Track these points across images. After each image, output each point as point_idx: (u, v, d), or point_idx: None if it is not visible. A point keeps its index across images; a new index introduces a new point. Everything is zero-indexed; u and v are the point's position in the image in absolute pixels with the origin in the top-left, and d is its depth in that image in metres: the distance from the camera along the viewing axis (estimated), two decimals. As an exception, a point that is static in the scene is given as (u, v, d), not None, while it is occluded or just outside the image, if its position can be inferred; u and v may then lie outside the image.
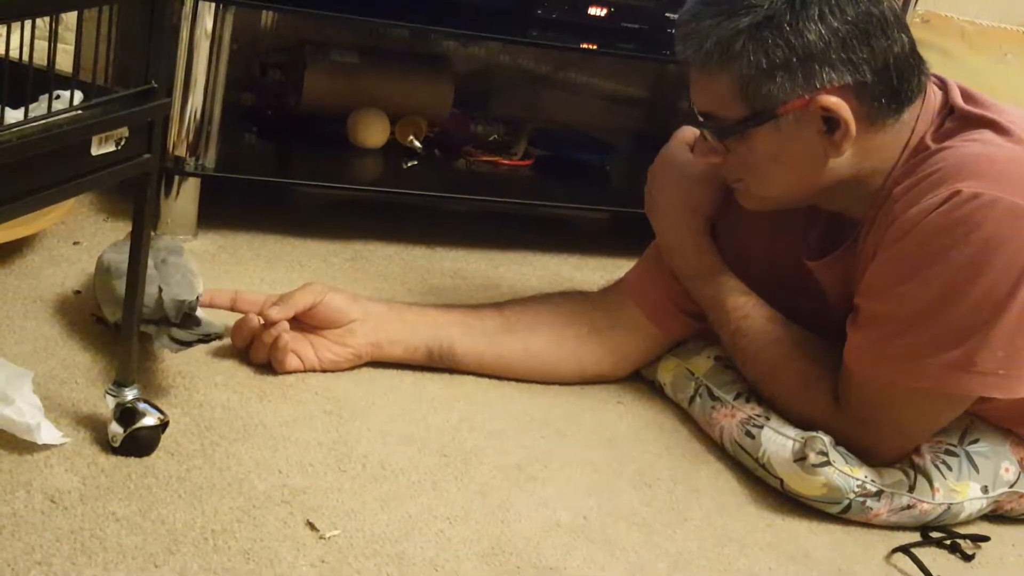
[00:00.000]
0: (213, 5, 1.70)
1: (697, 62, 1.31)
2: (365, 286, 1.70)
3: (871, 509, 1.33)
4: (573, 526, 1.24)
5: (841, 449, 1.33)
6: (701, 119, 1.35)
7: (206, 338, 1.32)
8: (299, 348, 1.43)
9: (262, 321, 1.41)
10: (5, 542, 1.04)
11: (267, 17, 2.14)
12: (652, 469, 1.38)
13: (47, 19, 1.02)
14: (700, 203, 1.47)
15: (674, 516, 1.30)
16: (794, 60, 1.26)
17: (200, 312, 1.34)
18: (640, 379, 1.57)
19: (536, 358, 1.51)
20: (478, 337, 1.49)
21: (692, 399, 1.49)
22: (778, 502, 1.36)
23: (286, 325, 1.41)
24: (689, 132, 1.48)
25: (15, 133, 0.96)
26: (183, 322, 1.31)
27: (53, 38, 1.03)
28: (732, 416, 1.41)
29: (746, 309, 1.43)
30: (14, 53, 1.03)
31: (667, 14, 1.98)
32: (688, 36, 1.31)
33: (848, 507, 1.33)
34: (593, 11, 1.98)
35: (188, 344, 1.30)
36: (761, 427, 1.38)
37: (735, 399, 1.43)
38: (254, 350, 1.42)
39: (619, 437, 1.44)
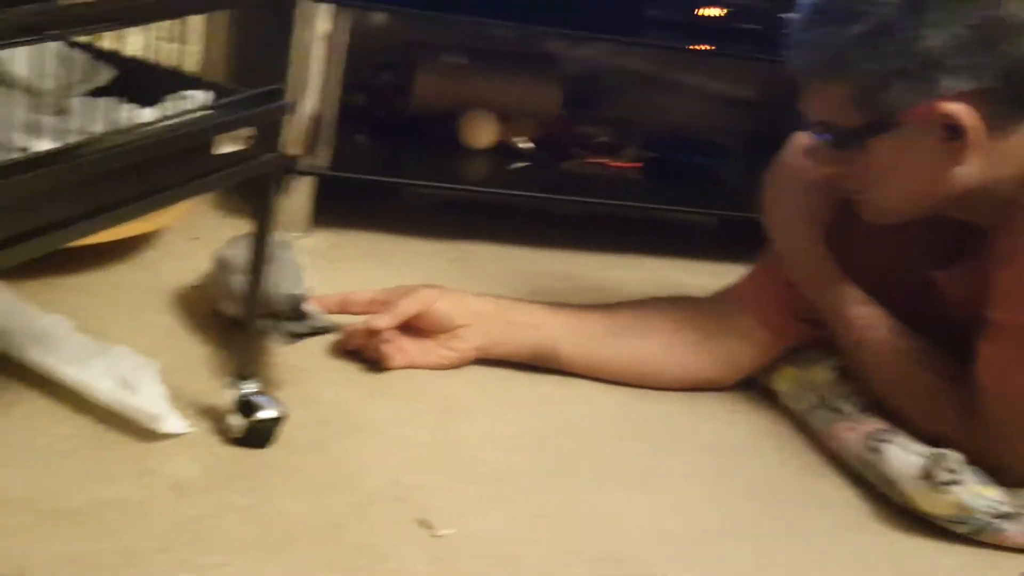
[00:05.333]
0: (330, 7, 1.72)
1: (810, 71, 1.29)
2: (471, 286, 1.69)
3: (1003, 531, 1.28)
4: (685, 536, 1.23)
5: (972, 467, 1.29)
6: (816, 129, 1.33)
7: (318, 330, 1.34)
8: (406, 348, 1.44)
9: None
10: (131, 526, 1.06)
11: (379, 19, 2.16)
12: (768, 480, 1.36)
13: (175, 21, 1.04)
14: (818, 211, 1.44)
15: (790, 529, 1.28)
16: (911, 67, 1.23)
17: (311, 306, 1.36)
18: (755, 387, 1.55)
19: (643, 364, 1.50)
20: (584, 340, 1.49)
21: (810, 410, 1.46)
22: (902, 520, 1.31)
23: (392, 335, 1.43)
24: (805, 138, 1.46)
25: (149, 132, 0.98)
26: (296, 315, 1.34)
27: (185, 41, 1.05)
28: (854, 429, 1.38)
29: (868, 319, 1.40)
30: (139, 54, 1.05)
31: (781, 15, 1.95)
32: (800, 45, 1.29)
33: (978, 528, 1.28)
34: (706, 11, 1.96)
35: (301, 337, 1.33)
36: (886, 442, 1.34)
37: (857, 412, 1.39)
38: (364, 351, 1.44)
39: (733, 446, 1.43)
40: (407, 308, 1.43)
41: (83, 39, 0.99)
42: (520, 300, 1.53)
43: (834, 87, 1.27)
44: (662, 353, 1.50)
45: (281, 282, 1.36)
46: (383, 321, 1.42)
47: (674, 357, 1.50)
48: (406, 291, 1.45)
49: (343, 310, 1.47)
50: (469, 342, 1.46)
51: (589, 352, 1.49)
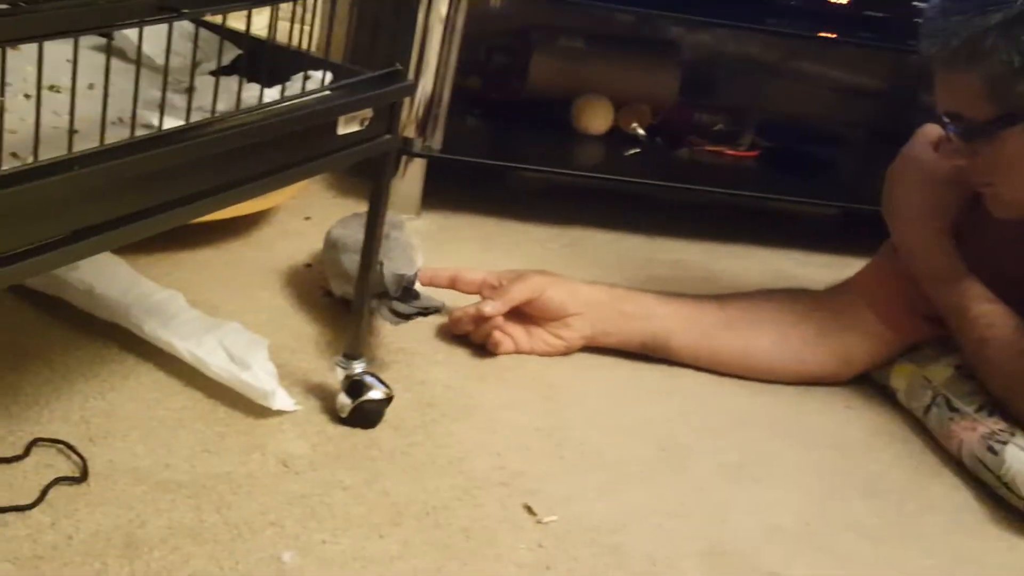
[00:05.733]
0: (448, -11, 1.72)
1: (943, 60, 1.25)
2: (581, 273, 1.69)
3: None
4: (795, 531, 1.21)
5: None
6: (947, 119, 1.29)
7: (425, 311, 1.34)
8: (514, 334, 1.44)
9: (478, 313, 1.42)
10: (242, 501, 1.07)
11: (496, 1, 2.16)
12: (882, 479, 1.33)
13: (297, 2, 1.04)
14: (944, 206, 1.40)
15: (905, 530, 1.25)
16: None
17: (420, 286, 1.36)
18: (869, 383, 1.51)
19: (755, 357, 1.48)
20: (696, 332, 1.47)
21: (928, 408, 1.42)
22: (1021, 523, 1.28)
23: (500, 322, 1.42)
24: (933, 130, 1.41)
25: (272, 111, 0.99)
26: (403, 295, 1.34)
27: (307, 22, 1.06)
28: (972, 429, 1.34)
29: (991, 318, 1.36)
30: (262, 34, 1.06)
31: (913, 2, 1.91)
32: (934, 33, 1.25)
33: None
34: (831, -2, 1.92)
35: (408, 317, 1.32)
36: (1005, 443, 1.30)
37: (976, 411, 1.36)
38: (472, 335, 1.44)
39: (846, 443, 1.40)
40: (517, 294, 1.43)
41: (210, 18, 1.00)
42: (632, 289, 1.51)
43: (967, 77, 1.24)
44: (776, 347, 1.48)
45: (392, 262, 1.36)
46: (492, 307, 1.41)
47: (788, 351, 1.48)
48: (517, 276, 1.45)
49: (452, 286, 1.48)
50: (578, 331, 1.45)
51: (701, 344, 1.47)
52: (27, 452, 1.08)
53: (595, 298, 1.46)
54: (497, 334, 1.42)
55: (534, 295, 1.43)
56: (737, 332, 1.47)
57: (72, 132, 0.81)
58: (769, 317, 1.48)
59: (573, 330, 1.45)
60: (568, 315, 1.44)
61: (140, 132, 0.87)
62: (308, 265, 1.58)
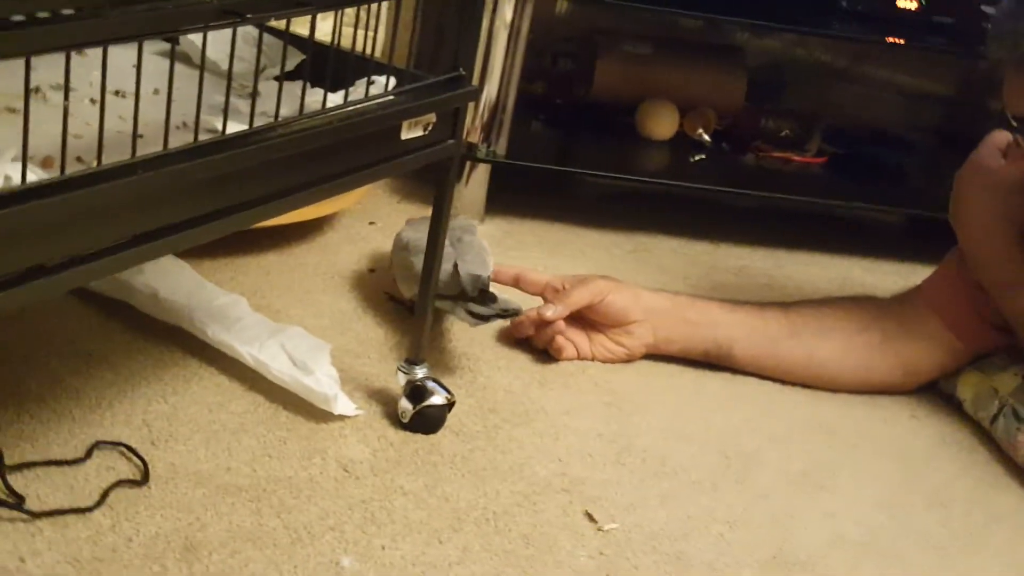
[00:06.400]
0: (513, -6, 1.72)
1: (1013, 63, 1.23)
2: (646, 278, 1.69)
3: None
4: (861, 541, 1.19)
5: None
6: (1015, 123, 1.27)
7: (504, 313, 1.34)
8: (576, 339, 1.43)
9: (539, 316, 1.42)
10: (302, 505, 1.08)
11: (561, 6, 2.15)
12: (947, 489, 1.31)
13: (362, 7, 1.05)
14: (1013, 213, 1.37)
15: (971, 541, 1.23)
16: None
17: (495, 288, 1.36)
18: (935, 392, 1.49)
19: (820, 366, 1.46)
20: (760, 341, 1.45)
21: (995, 418, 1.40)
22: (1088, 537, 1.26)
23: (562, 326, 1.42)
24: (1001, 137, 1.39)
25: (336, 116, 0.99)
26: (480, 297, 1.33)
27: (371, 27, 1.06)
28: (1040, 440, 1.33)
29: (1061, 328, 1.34)
30: (324, 39, 1.06)
31: (982, 7, 1.88)
32: (1004, 36, 1.23)
33: None
34: (902, 3, 1.90)
35: (486, 319, 1.32)
36: (1072, 454, 1.28)
37: (1044, 422, 1.34)
38: (534, 340, 1.44)
39: (912, 452, 1.37)
40: (578, 299, 1.42)
41: (274, 23, 1.00)
42: (696, 296, 1.50)
43: None
44: (841, 355, 1.46)
45: (467, 264, 1.36)
46: (553, 311, 1.41)
47: (854, 359, 1.46)
48: (580, 280, 1.44)
49: (516, 285, 1.48)
50: (641, 339, 1.44)
51: (765, 352, 1.45)
52: (89, 455, 1.09)
53: (658, 305, 1.45)
54: (560, 339, 1.42)
55: (595, 300, 1.43)
56: (801, 340, 1.46)
57: (136, 136, 0.81)
58: (834, 325, 1.46)
59: (635, 337, 1.44)
60: (630, 322, 1.43)
61: (203, 137, 0.88)
62: (372, 270, 1.58)
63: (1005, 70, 1.26)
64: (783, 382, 1.47)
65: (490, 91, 1.78)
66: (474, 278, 1.34)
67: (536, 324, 1.42)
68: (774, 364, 1.46)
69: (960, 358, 1.46)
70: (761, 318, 1.47)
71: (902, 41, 1.95)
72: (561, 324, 1.42)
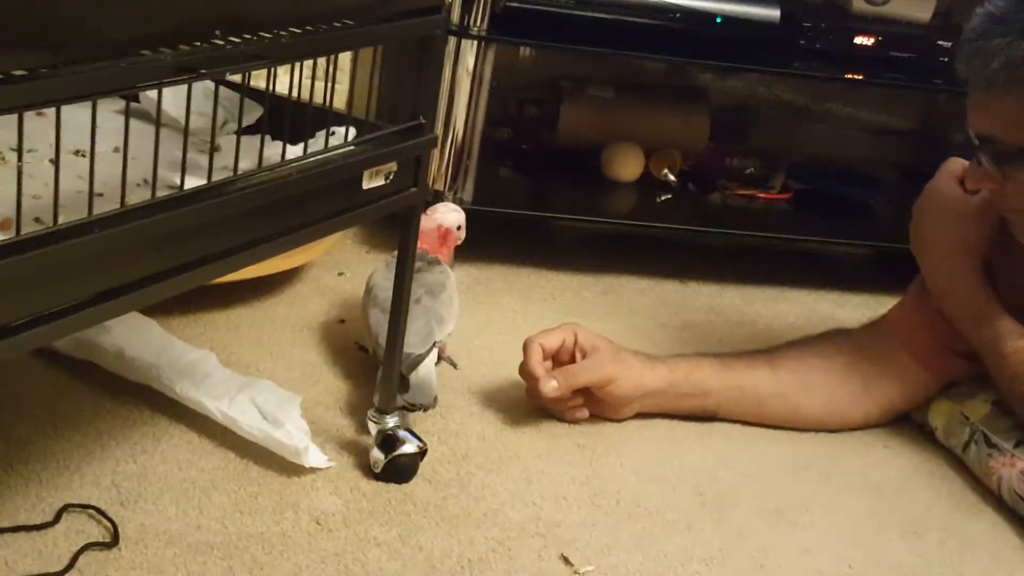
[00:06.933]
0: (475, 43, 1.73)
1: (981, 83, 1.24)
2: (616, 320, 1.69)
3: None
4: (837, 574, 1.19)
5: None
6: (978, 142, 1.28)
7: (411, 408, 1.28)
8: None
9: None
10: (275, 561, 1.07)
11: (524, 53, 2.17)
12: (922, 518, 1.31)
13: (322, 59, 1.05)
14: (972, 241, 1.39)
15: (947, 570, 1.23)
16: None
17: (425, 372, 1.31)
18: (908, 422, 1.50)
19: (804, 420, 1.46)
20: (747, 405, 1.44)
21: (966, 445, 1.40)
22: (1063, 561, 1.26)
23: (580, 401, 1.40)
24: (957, 165, 1.40)
25: (295, 168, 1.00)
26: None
27: (331, 78, 1.07)
28: (1012, 466, 1.32)
29: (1024, 354, 1.35)
30: (282, 90, 1.07)
31: (938, 42, 1.91)
32: (973, 55, 1.24)
33: None
34: (859, 40, 1.92)
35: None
36: (1044, 479, 1.29)
37: (1015, 447, 1.33)
38: (546, 407, 1.41)
39: (886, 483, 1.38)
40: (582, 380, 1.39)
41: (233, 77, 1.01)
42: (691, 362, 1.45)
43: (1004, 101, 1.22)
44: (824, 408, 1.46)
45: (411, 334, 1.29)
46: (551, 389, 1.37)
47: (834, 410, 1.46)
48: (592, 355, 1.40)
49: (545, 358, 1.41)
50: (631, 412, 1.43)
51: (751, 413, 1.45)
52: (57, 518, 1.08)
53: (656, 387, 1.42)
54: (575, 412, 1.40)
55: (600, 385, 1.39)
56: (786, 398, 1.45)
57: (94, 196, 0.81)
58: (819, 380, 1.46)
59: (624, 413, 1.42)
60: (627, 406, 1.42)
61: (163, 193, 0.88)
62: (342, 321, 1.58)
63: (971, 89, 1.27)
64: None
65: (455, 138, 1.78)
66: (405, 356, 1.28)
67: (536, 396, 1.39)
68: (757, 419, 1.46)
69: (930, 388, 1.47)
70: (751, 377, 1.45)
71: (860, 77, 1.97)
72: (579, 401, 1.40)
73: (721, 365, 1.45)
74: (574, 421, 1.41)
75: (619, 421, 1.43)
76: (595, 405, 1.41)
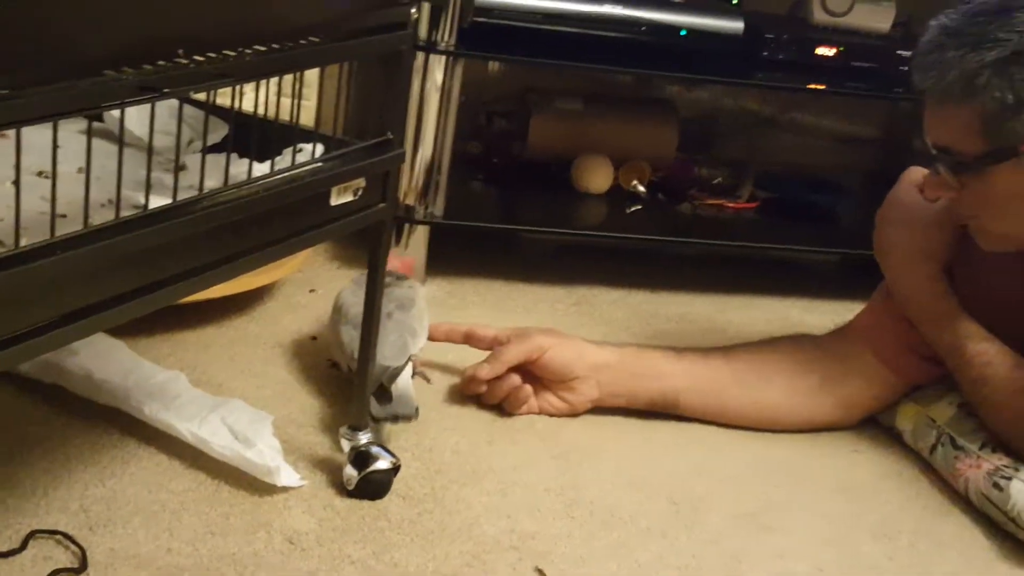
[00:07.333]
0: (443, 58, 1.74)
1: (936, 94, 1.26)
2: (590, 331, 1.69)
3: None
4: (811, 579, 1.20)
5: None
6: (935, 152, 1.29)
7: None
8: (525, 397, 1.44)
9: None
10: (246, 581, 1.07)
11: (493, 67, 2.18)
12: (892, 521, 1.32)
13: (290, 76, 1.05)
14: (933, 247, 1.40)
15: (918, 571, 1.24)
16: None
17: (403, 385, 1.32)
18: (877, 426, 1.51)
19: (764, 411, 1.47)
20: (705, 390, 1.46)
21: (934, 448, 1.41)
22: (1031, 560, 1.27)
23: (517, 381, 1.42)
24: (918, 173, 1.42)
25: (261, 185, 1.00)
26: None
27: (297, 95, 1.07)
28: (978, 467, 1.33)
29: (988, 356, 1.36)
30: (249, 107, 1.07)
31: (899, 51, 1.93)
32: (929, 67, 1.25)
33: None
34: (821, 51, 1.94)
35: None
36: (1010, 479, 1.29)
37: (980, 449, 1.35)
38: (484, 397, 1.44)
39: (856, 486, 1.39)
40: (513, 356, 1.42)
41: (198, 96, 1.01)
42: (641, 346, 1.51)
43: (959, 112, 1.24)
44: (784, 399, 1.47)
45: (387, 347, 1.31)
46: (487, 371, 1.41)
47: (796, 402, 1.47)
48: (519, 336, 1.45)
49: (467, 342, 1.48)
50: (585, 394, 1.44)
51: (709, 401, 1.47)
52: (24, 545, 1.07)
53: (603, 360, 1.45)
54: (515, 394, 1.42)
55: (533, 356, 1.43)
56: (745, 387, 1.47)
57: (56, 217, 0.81)
58: (776, 369, 1.48)
59: (578, 393, 1.44)
60: (573, 378, 1.44)
61: (128, 212, 0.87)
62: (313, 338, 1.58)
63: (927, 100, 1.28)
64: (729, 426, 1.47)
65: (424, 153, 1.79)
66: (383, 369, 1.29)
67: (471, 383, 1.43)
68: (719, 411, 1.47)
69: (896, 391, 1.48)
70: (706, 366, 1.47)
71: (823, 87, 1.99)
72: (516, 379, 1.42)
73: (674, 353, 1.48)
74: (519, 408, 1.42)
75: (576, 414, 1.45)
76: (549, 395, 1.44)
